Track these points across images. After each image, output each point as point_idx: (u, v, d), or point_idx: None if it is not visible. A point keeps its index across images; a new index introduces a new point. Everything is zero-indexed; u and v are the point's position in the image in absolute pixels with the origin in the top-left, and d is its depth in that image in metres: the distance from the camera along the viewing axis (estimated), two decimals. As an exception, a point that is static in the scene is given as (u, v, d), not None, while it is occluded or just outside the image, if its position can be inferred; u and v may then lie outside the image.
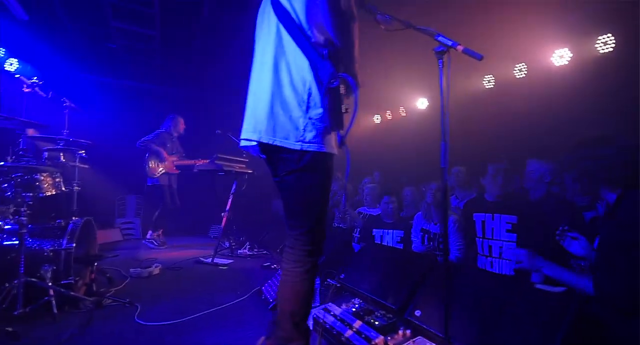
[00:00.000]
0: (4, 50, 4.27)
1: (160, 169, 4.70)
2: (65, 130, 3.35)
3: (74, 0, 4.05)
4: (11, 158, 2.78)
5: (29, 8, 4.01)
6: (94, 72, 5.59)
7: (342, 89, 1.40)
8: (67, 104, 3.57)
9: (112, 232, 5.36)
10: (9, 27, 4.11)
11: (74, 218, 2.77)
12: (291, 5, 1.36)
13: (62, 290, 2.31)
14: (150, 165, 4.66)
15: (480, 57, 1.41)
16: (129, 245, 5.08)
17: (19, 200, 2.51)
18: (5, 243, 2.36)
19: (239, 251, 4.50)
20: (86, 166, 3.36)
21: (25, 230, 2.21)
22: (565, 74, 4.10)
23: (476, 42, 4.24)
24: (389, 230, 3.51)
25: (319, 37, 1.36)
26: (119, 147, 5.14)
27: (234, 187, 4.32)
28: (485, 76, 5.21)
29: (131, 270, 3.35)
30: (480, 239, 2.67)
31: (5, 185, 2.59)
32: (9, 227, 2.43)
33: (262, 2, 1.55)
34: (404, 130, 6.45)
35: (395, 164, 6.04)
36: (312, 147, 1.33)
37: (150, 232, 4.79)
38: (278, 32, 1.39)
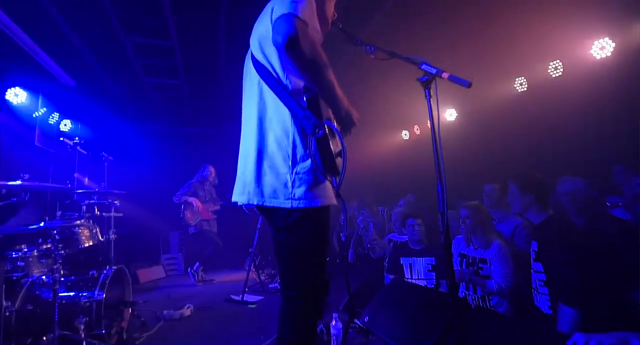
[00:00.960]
0: (58, 114, 4.87)
1: (196, 217, 4.94)
2: (103, 183, 3.66)
3: (112, 64, 4.56)
4: (59, 213, 3.09)
5: (75, 75, 4.59)
6: (134, 121, 6.17)
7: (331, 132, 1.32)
8: (106, 157, 3.90)
9: (155, 269, 5.65)
10: (60, 93, 4.71)
11: (107, 267, 2.93)
12: (267, 60, 1.35)
13: (95, 342, 2.40)
14: (187, 215, 4.93)
15: (467, 84, 1.26)
16: (170, 282, 5.30)
17: (56, 255, 2.71)
18: (44, 297, 2.55)
19: (270, 285, 4.46)
20: (120, 215, 3.61)
21: (57, 286, 2.37)
22: (609, 67, 3.61)
23: (503, 42, 4.03)
24: (419, 258, 3.23)
25: (296, 85, 1.31)
26: (159, 188, 5.52)
27: (259, 222, 4.35)
28: (517, 79, 4.80)
29: (164, 312, 3.44)
30: (534, 273, 2.29)
31: (49, 241, 2.85)
32: (49, 281, 2.62)
33: (245, 61, 1.55)
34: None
35: (429, 182, 5.69)
36: (302, 204, 1.24)
37: (197, 264, 4.99)
38: (260, 88, 1.37)
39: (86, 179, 5.06)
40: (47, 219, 2.74)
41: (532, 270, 2.24)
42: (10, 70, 3.89)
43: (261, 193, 1.29)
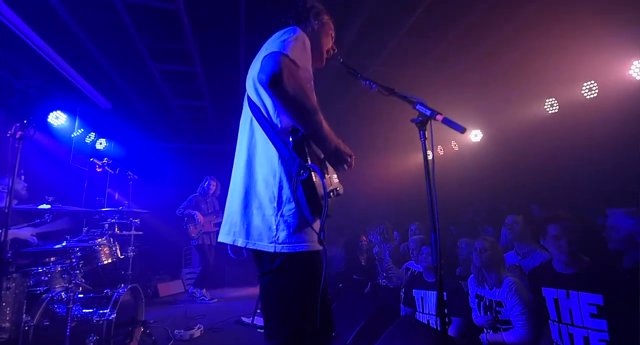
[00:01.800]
0: (94, 133, 5.25)
1: (199, 230, 5.02)
2: (126, 201, 3.85)
3: (143, 88, 4.87)
4: (85, 229, 3.27)
5: (110, 98, 4.95)
6: (163, 140, 6.51)
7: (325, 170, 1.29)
8: (131, 176, 4.12)
9: (174, 284, 5.79)
10: (96, 115, 5.09)
11: (122, 285, 3.03)
12: (260, 99, 1.36)
13: (103, 361, 2.46)
14: (190, 228, 5.02)
15: (462, 130, 1.18)
16: (188, 297, 5.39)
17: (72, 274, 2.84)
18: (60, 313, 2.66)
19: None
20: (140, 233, 3.76)
21: (72, 305, 2.48)
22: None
23: (532, 61, 3.85)
24: (430, 292, 3.04)
25: (285, 125, 1.29)
26: (182, 203, 5.72)
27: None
28: (547, 100, 4.54)
29: (175, 331, 3.48)
30: (556, 324, 2.07)
31: (72, 257, 3.00)
32: (66, 298, 2.75)
33: (244, 100, 1.58)
34: (459, 166, 5.88)
35: (450, 205, 5.46)
36: (286, 248, 1.20)
37: (199, 291, 5.03)
38: (251, 126, 1.37)
39: (116, 194, 5.37)
40: (68, 237, 2.88)
41: (568, 325, 2.01)
42: (52, 95, 4.27)
43: (246, 234, 1.26)
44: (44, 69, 3.81)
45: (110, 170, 3.92)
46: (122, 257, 3.42)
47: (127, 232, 3.58)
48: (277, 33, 1.30)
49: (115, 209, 3.49)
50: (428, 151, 1.29)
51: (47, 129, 4.30)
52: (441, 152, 6.47)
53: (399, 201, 6.64)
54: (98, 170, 3.85)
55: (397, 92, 1.47)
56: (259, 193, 1.27)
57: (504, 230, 3.22)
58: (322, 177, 1.19)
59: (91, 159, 3.78)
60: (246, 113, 1.44)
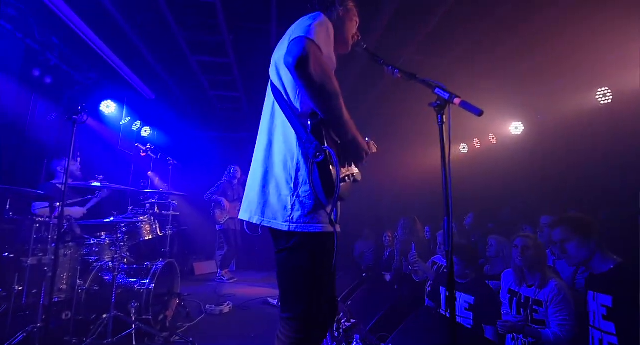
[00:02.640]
0: (140, 122, 5.68)
1: (225, 215, 5.25)
2: (166, 184, 4.15)
3: (183, 79, 5.17)
4: (130, 208, 3.61)
5: (154, 89, 5.30)
6: (201, 128, 6.87)
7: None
8: (171, 162, 4.42)
9: (209, 264, 6.17)
10: (142, 104, 5.49)
11: (160, 260, 3.31)
12: (281, 82, 1.40)
13: (142, 325, 2.73)
14: (216, 214, 5.27)
15: (478, 113, 1.15)
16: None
17: (118, 246, 3.14)
18: (107, 280, 2.98)
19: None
20: (178, 213, 4.05)
21: (117, 273, 2.77)
22: None
23: (583, 46, 3.51)
24: (457, 293, 2.94)
25: (305, 108, 1.34)
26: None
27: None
28: (599, 89, 4.14)
29: (207, 306, 3.74)
30: (596, 330, 1.96)
31: (118, 232, 3.33)
32: (112, 267, 3.06)
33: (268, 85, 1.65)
34: (496, 160, 5.58)
35: (486, 201, 5.21)
36: (300, 228, 1.25)
37: (219, 271, 5.32)
38: (272, 109, 1.43)
39: (157, 179, 5.79)
40: (115, 213, 3.19)
41: (591, 327, 1.91)
42: (104, 86, 4.68)
43: (262, 212, 1.33)
44: (98, 63, 4.19)
45: (153, 155, 4.24)
46: (162, 234, 3.71)
47: (165, 212, 3.87)
48: (303, 18, 1.34)
49: (156, 190, 3.79)
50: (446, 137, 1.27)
51: (99, 116, 4.74)
52: (477, 145, 6.17)
53: (434, 194, 6.45)
54: (142, 154, 4.19)
55: (418, 77, 1.45)
56: (277, 174, 1.33)
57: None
58: (337, 160, 1.22)
59: (136, 144, 4.12)
60: (269, 97, 1.50)
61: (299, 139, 1.29)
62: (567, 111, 4.42)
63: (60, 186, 3.01)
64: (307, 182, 1.26)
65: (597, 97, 4.12)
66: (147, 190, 3.82)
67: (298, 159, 1.29)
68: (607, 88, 4.02)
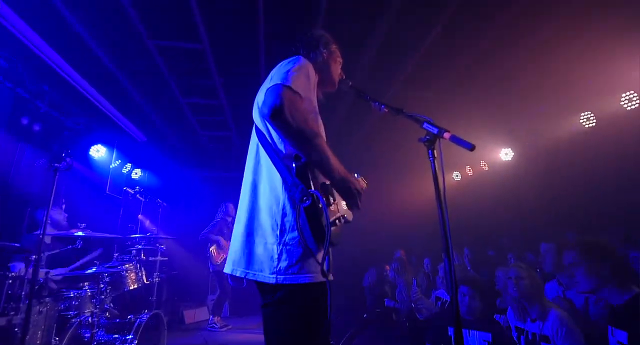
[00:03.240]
0: (130, 164, 5.63)
1: (222, 255, 5.03)
2: (154, 228, 4.00)
3: (174, 122, 5.22)
4: (116, 255, 3.42)
5: (146, 131, 5.33)
6: (193, 168, 6.84)
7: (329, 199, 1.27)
8: (161, 203, 4.31)
9: (200, 311, 5.78)
10: (133, 146, 5.48)
11: (145, 311, 3.07)
12: (265, 125, 1.38)
13: (122, 389, 2.45)
14: (213, 253, 5.03)
15: (470, 147, 1.12)
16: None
17: (97, 300, 2.92)
18: (86, 338, 2.72)
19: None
20: (166, 258, 3.85)
21: (96, 330, 2.54)
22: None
23: (567, 72, 3.65)
24: (472, 331, 2.74)
25: (289, 151, 1.29)
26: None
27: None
28: (582, 113, 4.27)
29: (196, 361, 3.41)
30: None
31: (100, 283, 3.12)
32: (91, 322, 2.82)
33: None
34: (489, 186, 5.58)
35: (483, 229, 5.12)
36: (288, 279, 1.16)
37: (211, 317, 4.97)
38: (257, 152, 1.39)
39: (147, 221, 5.61)
40: (97, 263, 3.01)
41: None
42: (95, 130, 4.69)
43: (246, 264, 1.23)
44: (88, 108, 4.22)
45: (141, 198, 4.13)
46: (148, 282, 3.50)
47: (153, 258, 3.68)
48: (282, 62, 1.35)
49: (143, 235, 3.63)
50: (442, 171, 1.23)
51: (88, 161, 4.68)
52: (470, 172, 6.20)
53: (430, 224, 6.34)
54: (131, 197, 4.07)
55: (405, 112, 1.45)
56: (262, 221, 1.25)
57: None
58: (325, 205, 1.15)
59: (124, 188, 4.02)
60: (253, 140, 1.47)
61: (284, 182, 1.24)
62: (554, 136, 4.52)
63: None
64: (295, 228, 1.18)
65: (581, 120, 4.24)
66: (134, 236, 3.67)
67: (284, 204, 1.22)
68: (590, 112, 4.15)
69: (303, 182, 1.18)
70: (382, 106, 1.62)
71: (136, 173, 5.94)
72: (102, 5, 2.82)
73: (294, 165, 1.23)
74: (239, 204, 1.42)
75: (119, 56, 3.53)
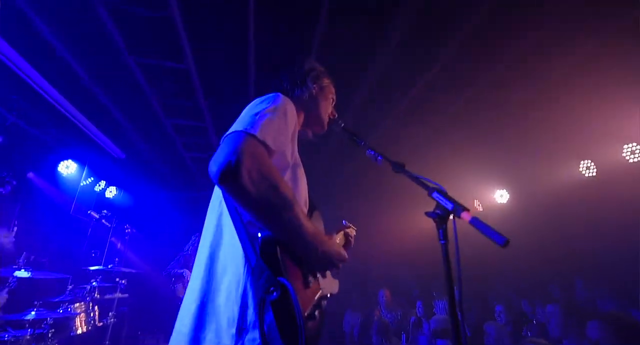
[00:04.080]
0: (104, 182, 5.22)
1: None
2: (116, 259, 3.57)
3: (158, 141, 4.89)
4: (70, 287, 2.98)
5: (124, 149, 4.97)
6: (174, 189, 6.44)
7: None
8: (129, 230, 3.90)
9: (165, 349, 5.21)
10: (108, 163, 5.09)
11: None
12: None
13: None
14: (178, 288, 4.57)
15: (503, 243, 0.83)
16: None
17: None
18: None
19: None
20: (126, 295, 3.41)
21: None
22: None
23: (566, 118, 3.53)
24: None
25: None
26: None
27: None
28: (582, 161, 4.14)
29: None
30: None
31: (43, 326, 2.67)
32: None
33: None
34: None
35: (477, 279, 4.81)
36: None
37: None
38: (219, 212, 1.09)
39: (119, 244, 5.12)
40: (37, 303, 2.56)
41: None
42: (67, 144, 4.31)
43: None
44: (59, 120, 3.88)
45: (107, 224, 3.73)
46: (100, 325, 3.05)
47: (109, 296, 3.24)
48: (256, 100, 1.08)
49: (101, 267, 3.20)
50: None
51: (54, 178, 4.26)
52: (479, 208, 5.97)
53: (422, 264, 6.01)
54: (95, 222, 3.67)
55: (408, 171, 1.19)
56: (217, 308, 0.94)
57: None
58: (296, 298, 0.85)
59: (89, 212, 3.62)
60: (216, 193, 1.17)
61: (246, 261, 0.94)
62: (553, 182, 4.37)
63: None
64: (256, 326, 0.88)
65: (581, 169, 4.10)
66: (92, 268, 3.24)
67: (244, 290, 0.92)
68: (589, 160, 4.02)
69: (269, 265, 0.89)
70: (379, 157, 1.36)
71: (110, 191, 5.52)
72: (76, 16, 2.58)
73: (259, 235, 0.93)
74: (192, 272, 1.09)
75: (95, 68, 3.26)
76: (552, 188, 4.41)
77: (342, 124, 1.48)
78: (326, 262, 1.01)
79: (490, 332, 3.04)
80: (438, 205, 0.98)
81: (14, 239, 3.07)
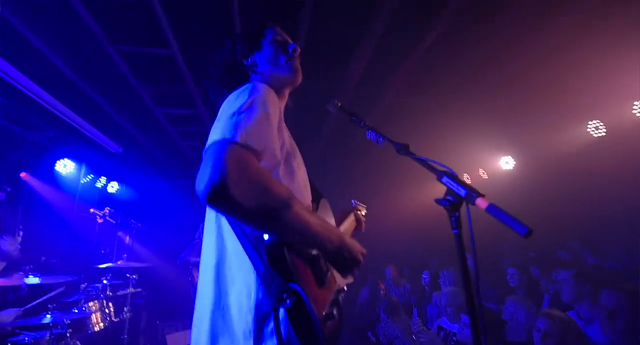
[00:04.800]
0: (105, 177, 5.17)
1: None
2: (124, 254, 3.58)
3: (152, 132, 4.79)
4: (84, 285, 3.02)
5: (120, 142, 4.88)
6: (174, 178, 6.40)
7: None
8: (134, 225, 3.89)
9: (184, 334, 5.38)
10: (107, 158, 5.02)
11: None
12: None
13: None
14: (196, 276, 4.61)
15: (525, 232, 0.74)
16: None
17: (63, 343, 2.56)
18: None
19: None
20: (139, 289, 3.45)
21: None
22: None
23: (574, 78, 3.36)
24: None
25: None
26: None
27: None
28: (590, 122, 3.98)
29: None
30: None
31: (60, 326, 2.72)
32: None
33: None
34: (488, 197, 5.26)
35: (489, 247, 4.80)
36: None
37: None
38: (218, 222, 1.01)
39: (127, 238, 5.15)
40: (52, 307, 2.58)
41: None
42: (63, 143, 4.22)
43: None
44: (49, 119, 3.77)
45: (111, 220, 3.71)
46: (117, 320, 3.10)
47: (122, 292, 3.27)
48: (230, 97, 0.95)
49: (111, 264, 3.21)
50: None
51: (53, 178, 4.21)
52: (468, 180, 5.88)
53: (427, 235, 6.02)
54: (99, 221, 3.65)
55: (412, 153, 1.09)
56: (232, 321, 0.89)
57: None
58: (310, 304, 0.80)
59: (91, 210, 3.59)
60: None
61: (255, 270, 0.88)
62: (560, 144, 4.24)
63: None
64: (274, 333, 0.83)
65: (589, 129, 3.95)
66: (101, 266, 3.25)
67: (257, 300, 0.87)
68: (598, 120, 3.86)
69: (279, 271, 0.84)
70: (381, 138, 1.26)
71: (112, 186, 5.48)
72: (49, 7, 2.40)
73: (265, 238, 0.87)
74: (199, 283, 1.03)
75: (78, 62, 3.10)
76: (559, 151, 4.28)
77: (339, 103, 1.37)
78: (344, 256, 0.96)
79: (509, 305, 3.03)
80: (449, 191, 0.89)
81: (19, 246, 3.05)
